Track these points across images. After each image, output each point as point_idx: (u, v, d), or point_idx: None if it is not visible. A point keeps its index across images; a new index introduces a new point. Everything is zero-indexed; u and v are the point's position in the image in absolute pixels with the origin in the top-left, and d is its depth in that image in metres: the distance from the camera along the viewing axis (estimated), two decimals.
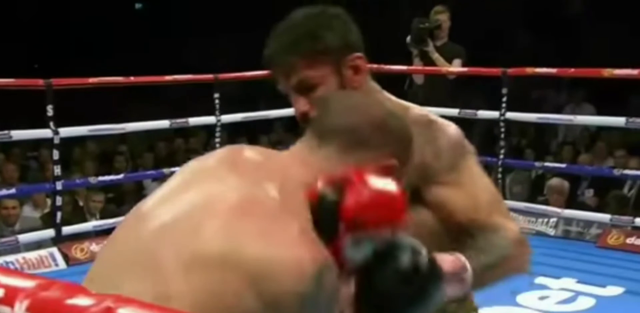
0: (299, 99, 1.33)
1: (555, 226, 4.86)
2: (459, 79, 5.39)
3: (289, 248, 0.99)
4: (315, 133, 1.19)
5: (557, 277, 3.96)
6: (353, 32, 1.36)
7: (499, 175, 5.14)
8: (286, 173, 1.12)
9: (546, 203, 5.23)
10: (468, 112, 5.10)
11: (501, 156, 5.07)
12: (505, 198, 5.34)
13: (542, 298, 3.75)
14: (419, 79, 5.38)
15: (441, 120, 1.40)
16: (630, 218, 4.50)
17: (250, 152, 1.16)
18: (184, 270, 0.98)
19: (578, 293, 3.79)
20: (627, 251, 4.38)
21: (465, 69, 5.26)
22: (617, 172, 4.99)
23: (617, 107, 6.60)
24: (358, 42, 1.36)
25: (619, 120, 4.57)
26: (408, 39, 5.22)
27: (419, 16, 5.27)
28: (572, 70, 4.91)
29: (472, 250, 1.26)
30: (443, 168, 1.34)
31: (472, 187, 1.35)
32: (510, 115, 4.92)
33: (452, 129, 1.39)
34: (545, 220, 4.91)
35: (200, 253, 0.99)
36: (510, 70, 4.87)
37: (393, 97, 1.43)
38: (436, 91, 5.22)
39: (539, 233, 4.87)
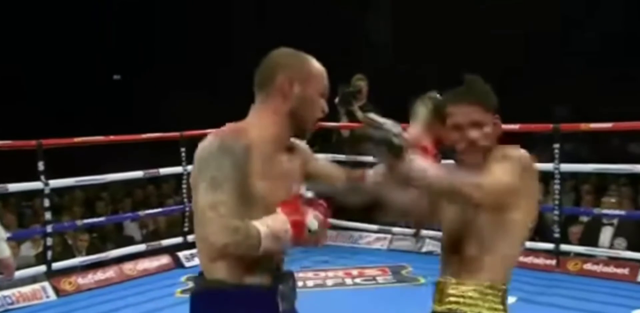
0: (471, 131, 1.65)
1: None
2: None
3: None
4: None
5: None
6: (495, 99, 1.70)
7: None
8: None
9: None
10: None
11: None
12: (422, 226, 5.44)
13: None
14: (345, 133, 5.53)
15: (513, 151, 1.66)
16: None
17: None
18: None
19: None
20: (519, 267, 4.47)
21: None
22: None
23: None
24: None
25: None
26: (336, 100, 5.38)
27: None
28: None
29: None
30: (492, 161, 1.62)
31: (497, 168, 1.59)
32: None
33: (515, 151, 1.65)
34: None
35: None
36: None
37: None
38: None
39: None
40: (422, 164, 1.47)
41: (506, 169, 1.57)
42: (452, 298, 1.63)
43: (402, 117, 1.69)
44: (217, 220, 1.39)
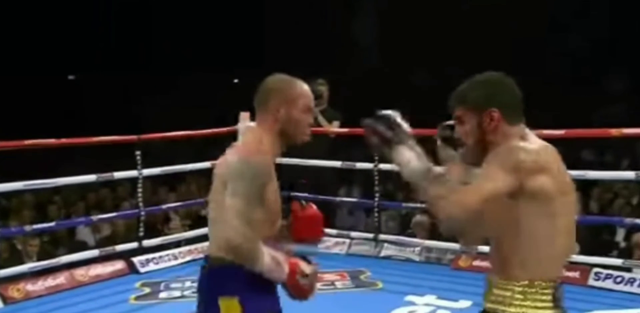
0: (457, 128, 1.75)
1: (420, 253, 5.00)
2: (337, 137, 5.55)
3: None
4: None
5: (422, 295, 4.08)
6: (498, 94, 1.69)
7: (376, 213, 5.25)
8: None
9: (413, 234, 5.38)
10: (348, 164, 5.22)
11: (376, 198, 5.20)
12: (381, 231, 5.41)
13: (410, 312, 3.85)
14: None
15: (521, 145, 1.67)
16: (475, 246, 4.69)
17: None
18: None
19: (438, 308, 3.90)
20: (474, 271, 4.53)
21: (346, 130, 5.41)
22: None
23: None
24: (500, 101, 1.69)
25: None
26: None
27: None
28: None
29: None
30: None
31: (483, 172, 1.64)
32: (382, 166, 4.93)
33: (513, 146, 1.66)
34: (412, 249, 5.04)
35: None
36: None
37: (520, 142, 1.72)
38: (319, 146, 5.35)
39: (408, 260, 5.00)
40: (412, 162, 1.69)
41: (489, 173, 1.58)
42: (493, 297, 1.65)
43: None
44: (241, 228, 1.72)
